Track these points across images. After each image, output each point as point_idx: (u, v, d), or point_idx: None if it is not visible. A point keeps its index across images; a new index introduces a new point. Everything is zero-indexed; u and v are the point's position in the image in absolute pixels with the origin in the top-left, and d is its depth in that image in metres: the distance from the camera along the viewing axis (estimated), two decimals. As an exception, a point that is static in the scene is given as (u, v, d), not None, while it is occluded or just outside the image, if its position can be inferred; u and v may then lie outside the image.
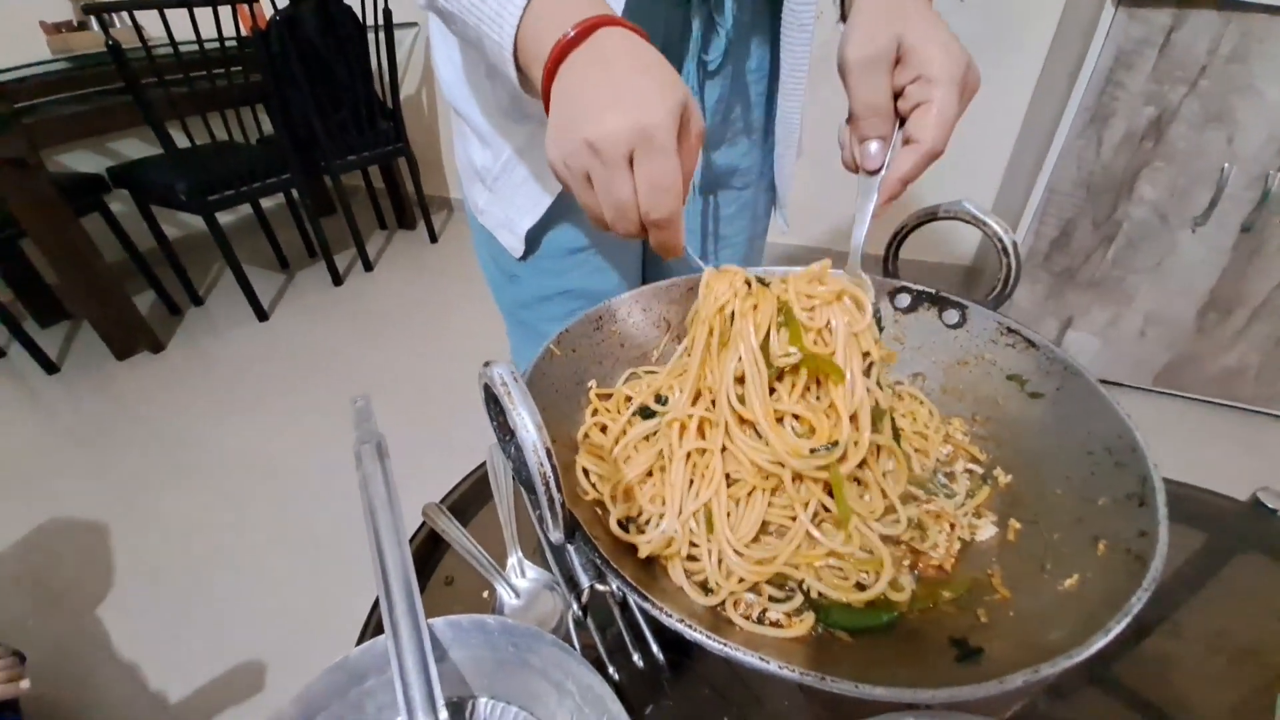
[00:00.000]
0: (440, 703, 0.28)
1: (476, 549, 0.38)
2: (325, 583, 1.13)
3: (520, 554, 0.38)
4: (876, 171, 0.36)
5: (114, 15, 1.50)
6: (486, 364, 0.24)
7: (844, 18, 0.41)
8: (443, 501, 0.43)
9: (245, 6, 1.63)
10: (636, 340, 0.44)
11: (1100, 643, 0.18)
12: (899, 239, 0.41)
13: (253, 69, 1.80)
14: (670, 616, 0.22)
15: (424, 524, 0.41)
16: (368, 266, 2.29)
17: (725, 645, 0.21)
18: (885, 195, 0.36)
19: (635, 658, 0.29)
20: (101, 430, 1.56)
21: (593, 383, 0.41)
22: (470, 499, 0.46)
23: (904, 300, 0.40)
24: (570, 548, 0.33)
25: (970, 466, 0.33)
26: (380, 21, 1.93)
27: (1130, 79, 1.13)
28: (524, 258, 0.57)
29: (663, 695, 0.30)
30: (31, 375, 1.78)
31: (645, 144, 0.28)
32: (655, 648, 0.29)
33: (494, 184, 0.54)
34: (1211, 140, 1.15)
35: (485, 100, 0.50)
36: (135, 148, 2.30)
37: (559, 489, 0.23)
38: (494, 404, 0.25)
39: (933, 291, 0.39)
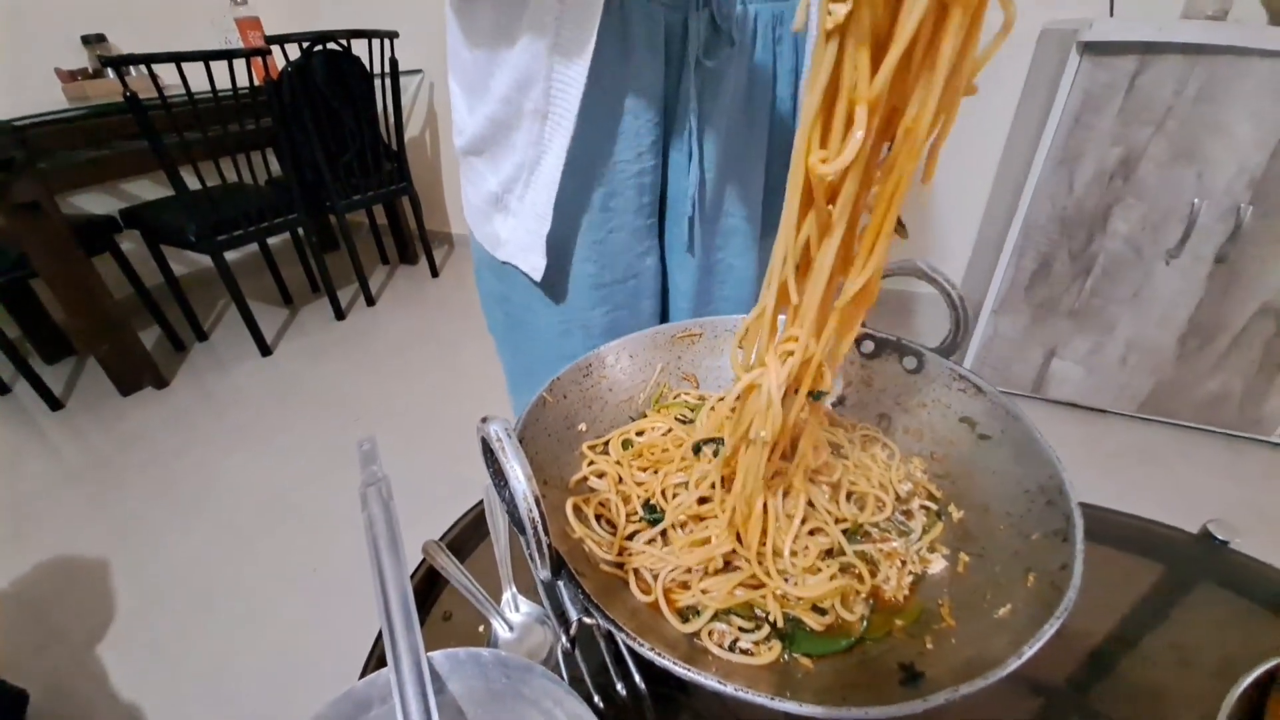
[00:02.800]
0: (438, 731, 0.30)
1: (473, 585, 0.40)
2: (327, 616, 1.13)
3: (514, 589, 0.40)
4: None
5: (104, 66, 1.57)
6: (484, 420, 0.28)
7: None
8: (442, 539, 0.46)
9: (258, 59, 1.71)
10: (624, 385, 0.47)
11: (1013, 665, 0.21)
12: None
13: (263, 114, 1.88)
14: (644, 645, 0.25)
15: (424, 560, 0.44)
16: (370, 301, 2.34)
17: (690, 670, 0.23)
18: None
19: (620, 687, 0.32)
20: (105, 466, 1.58)
21: (583, 425, 0.44)
22: (468, 535, 0.48)
23: (868, 346, 0.44)
24: (559, 584, 0.36)
25: (926, 504, 0.35)
26: (387, 69, 2.02)
27: (1098, 121, 1.19)
28: (544, 283, 0.57)
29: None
30: (36, 412, 1.81)
31: None
32: (638, 678, 0.32)
33: (516, 202, 0.55)
34: (1181, 177, 1.20)
35: (489, 116, 0.51)
36: (145, 189, 2.38)
37: (546, 532, 0.26)
38: (489, 454, 0.29)
39: (894, 339, 0.43)
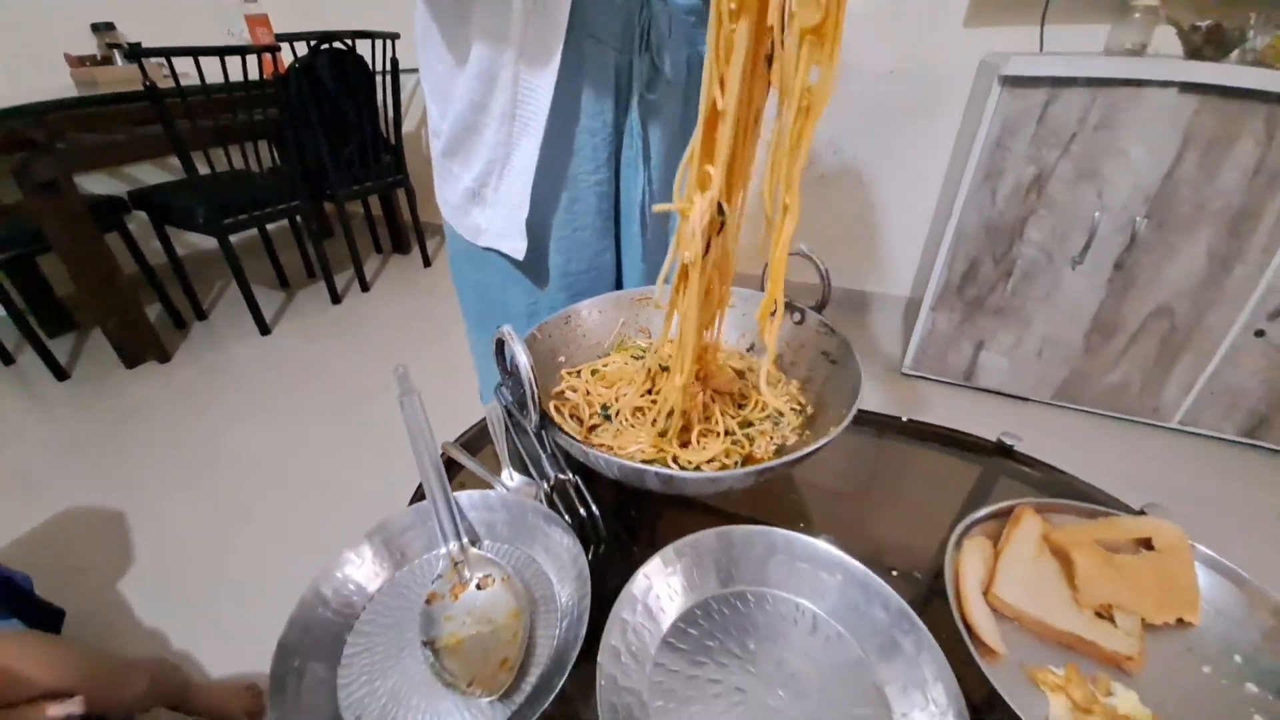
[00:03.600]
0: (463, 537, 0.46)
1: (479, 465, 0.56)
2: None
3: (510, 469, 0.55)
4: None
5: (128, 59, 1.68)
6: (500, 328, 0.43)
7: None
8: (455, 441, 0.61)
9: (268, 55, 1.83)
10: (594, 332, 0.63)
11: (807, 449, 0.37)
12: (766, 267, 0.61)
13: (269, 106, 1.99)
14: (590, 448, 0.41)
15: (443, 454, 0.59)
16: (365, 287, 2.46)
17: (609, 454, 0.39)
18: None
19: (581, 512, 0.48)
20: (113, 432, 1.69)
21: (562, 358, 0.60)
22: (473, 441, 0.64)
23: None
24: (542, 456, 0.52)
25: (794, 406, 0.52)
26: (388, 68, 2.15)
27: (1015, 144, 1.39)
28: (523, 266, 0.66)
29: (600, 540, 0.48)
30: (41, 381, 1.90)
31: None
32: (595, 510, 0.48)
33: (492, 194, 0.63)
34: (1084, 193, 1.40)
35: (464, 102, 0.58)
36: (147, 173, 2.48)
37: (537, 393, 0.42)
38: (500, 349, 0.44)
39: (788, 301, 0.59)
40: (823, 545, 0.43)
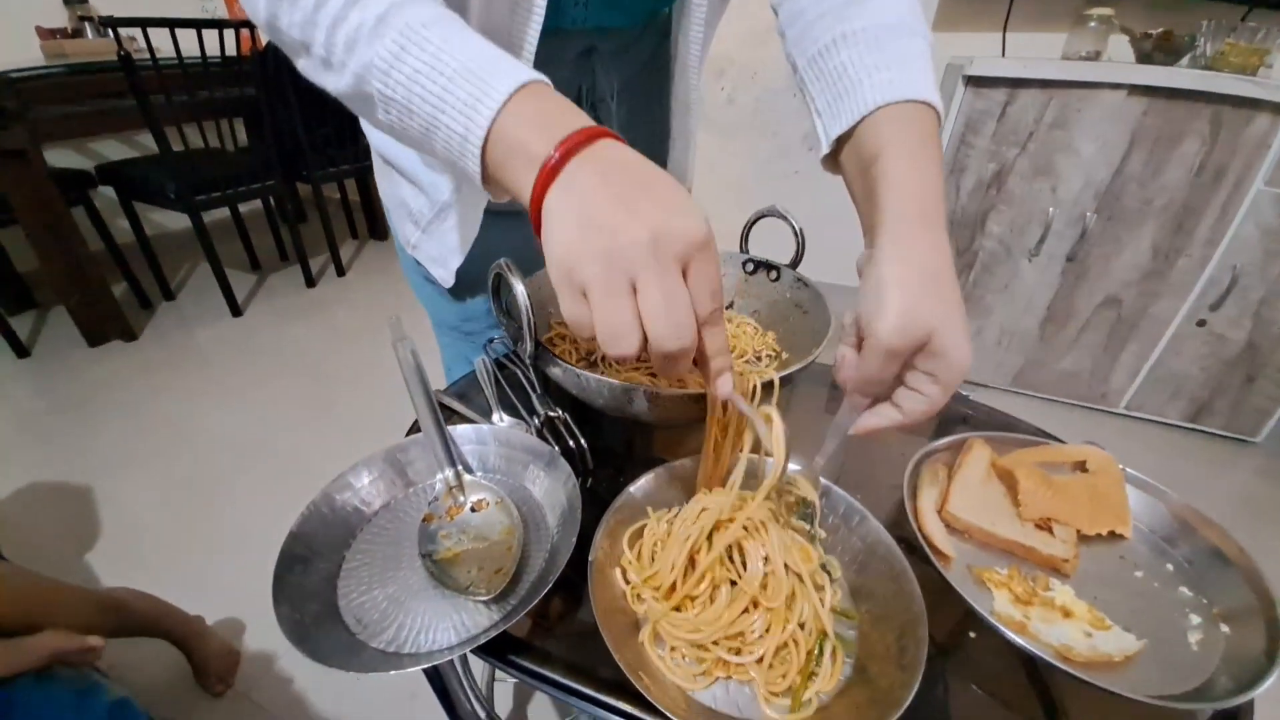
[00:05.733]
0: (458, 464, 0.48)
1: (470, 410, 0.58)
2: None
3: (500, 412, 0.58)
4: (858, 409, 0.39)
5: (104, 28, 1.64)
6: (497, 261, 0.45)
7: (829, 166, 0.45)
8: (446, 390, 0.63)
9: (246, 30, 1.81)
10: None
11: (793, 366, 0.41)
12: (748, 229, 0.65)
13: (245, 83, 1.97)
14: (586, 373, 0.44)
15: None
16: (340, 271, 2.43)
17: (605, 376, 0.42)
18: (854, 430, 0.40)
19: (572, 445, 0.50)
20: (78, 410, 1.64)
21: (552, 309, 0.62)
22: (461, 394, 0.66)
23: (750, 267, 0.64)
24: (533, 395, 0.54)
25: (768, 354, 0.56)
26: (367, 50, 2.14)
27: (977, 141, 1.46)
28: (455, 289, 0.64)
29: (589, 472, 0.51)
30: (1, 359, 1.84)
31: (703, 244, 0.28)
32: (583, 442, 0.51)
33: (427, 226, 0.60)
34: (1039, 189, 1.48)
35: (415, 155, 0.56)
36: (114, 149, 2.41)
37: (534, 321, 0.44)
38: (496, 283, 0.47)
39: (763, 260, 0.63)
40: (793, 467, 0.46)
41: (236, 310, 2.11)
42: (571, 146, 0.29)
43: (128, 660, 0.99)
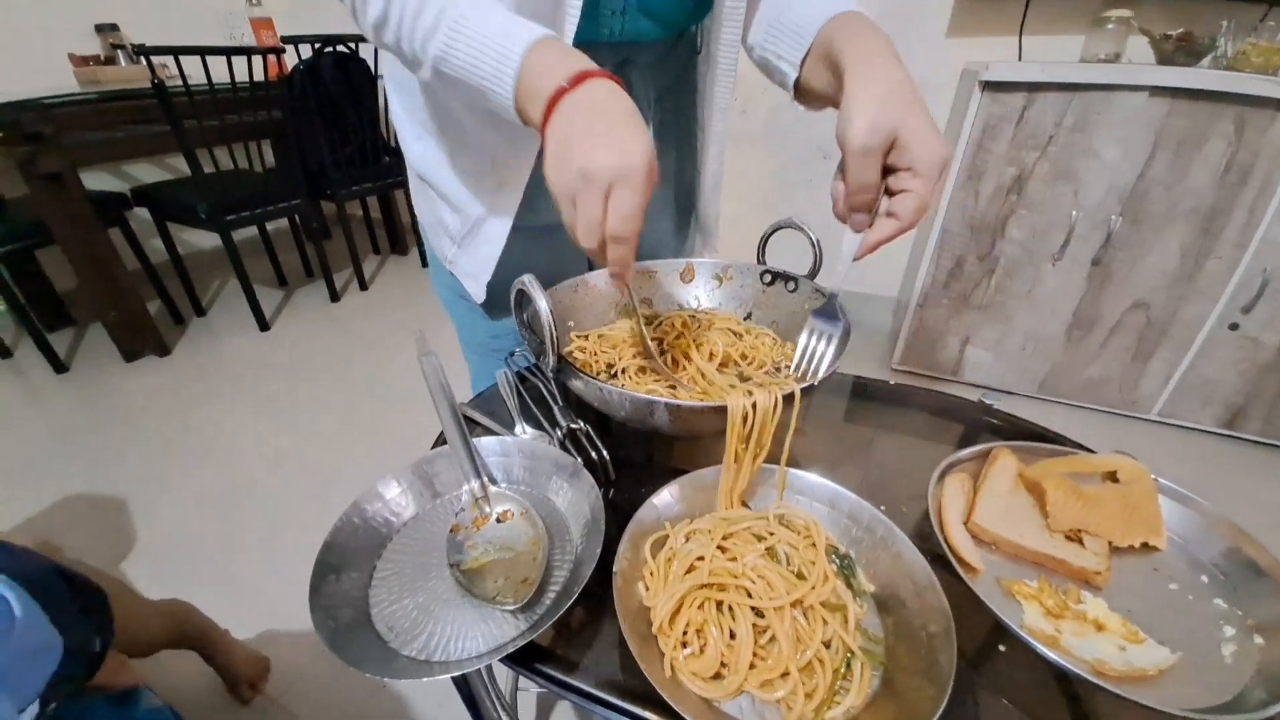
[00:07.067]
0: (483, 476, 0.49)
1: (493, 422, 0.59)
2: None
3: (522, 424, 0.59)
4: (860, 231, 0.44)
5: (138, 56, 1.71)
6: (519, 278, 0.47)
7: (799, 93, 0.52)
8: (469, 403, 0.65)
9: (273, 56, 1.87)
10: (602, 300, 0.67)
11: (810, 379, 0.41)
12: (765, 241, 0.65)
13: (272, 107, 2.03)
14: (606, 385, 0.44)
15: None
16: (363, 286, 2.49)
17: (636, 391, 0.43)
18: (861, 253, 0.44)
19: (594, 456, 0.51)
20: (113, 423, 1.70)
21: (572, 323, 0.63)
22: (483, 406, 0.67)
23: (767, 278, 0.65)
24: (554, 407, 0.55)
25: (788, 364, 0.56)
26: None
27: (995, 145, 1.45)
28: (488, 305, 0.67)
29: (611, 482, 0.52)
30: (40, 374, 1.91)
31: (623, 179, 0.36)
32: (605, 453, 0.51)
33: (463, 241, 0.64)
34: (1061, 193, 1.46)
35: (454, 172, 0.60)
36: (146, 172, 2.50)
37: (556, 335, 0.45)
38: (519, 299, 0.48)
39: (780, 271, 0.63)
40: (816, 478, 0.46)
41: (264, 325, 2.16)
42: (561, 90, 0.38)
43: (159, 667, 1.02)
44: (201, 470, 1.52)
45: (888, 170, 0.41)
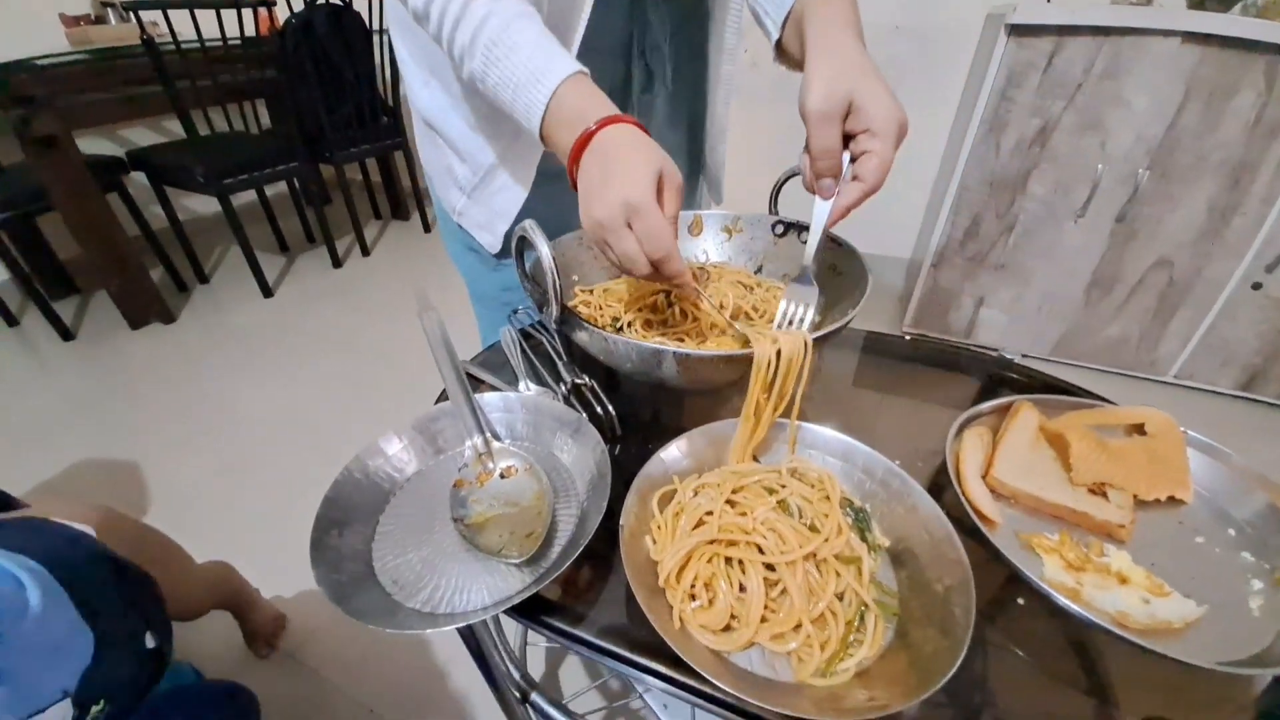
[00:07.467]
0: (486, 432, 0.48)
1: (496, 378, 0.58)
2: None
3: (526, 380, 0.57)
4: (829, 198, 0.45)
5: (128, 12, 1.66)
6: (520, 224, 0.44)
7: (780, 54, 0.55)
8: (472, 360, 0.63)
9: (264, 9, 1.81)
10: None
11: (835, 326, 0.39)
12: (778, 189, 0.62)
13: (263, 66, 1.97)
14: (614, 336, 0.42)
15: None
16: (365, 251, 2.46)
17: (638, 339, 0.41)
18: (833, 220, 0.46)
19: (599, 411, 0.49)
20: (122, 389, 1.71)
21: (576, 276, 0.61)
22: (486, 364, 0.65)
23: (779, 229, 0.62)
24: (559, 363, 0.53)
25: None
26: (385, 26, 2.12)
27: (1020, 95, 1.38)
28: (500, 254, 0.66)
29: (617, 438, 0.50)
30: (46, 342, 1.91)
31: (633, 212, 0.38)
32: (611, 409, 0.50)
33: (472, 192, 0.63)
34: (1088, 145, 1.40)
35: (464, 119, 0.59)
36: (142, 136, 2.45)
37: (559, 284, 0.43)
38: (520, 246, 0.46)
39: (793, 221, 0.61)
40: (830, 432, 0.45)
41: (268, 291, 2.15)
42: (581, 143, 0.41)
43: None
44: (210, 435, 1.53)
45: (848, 137, 0.43)
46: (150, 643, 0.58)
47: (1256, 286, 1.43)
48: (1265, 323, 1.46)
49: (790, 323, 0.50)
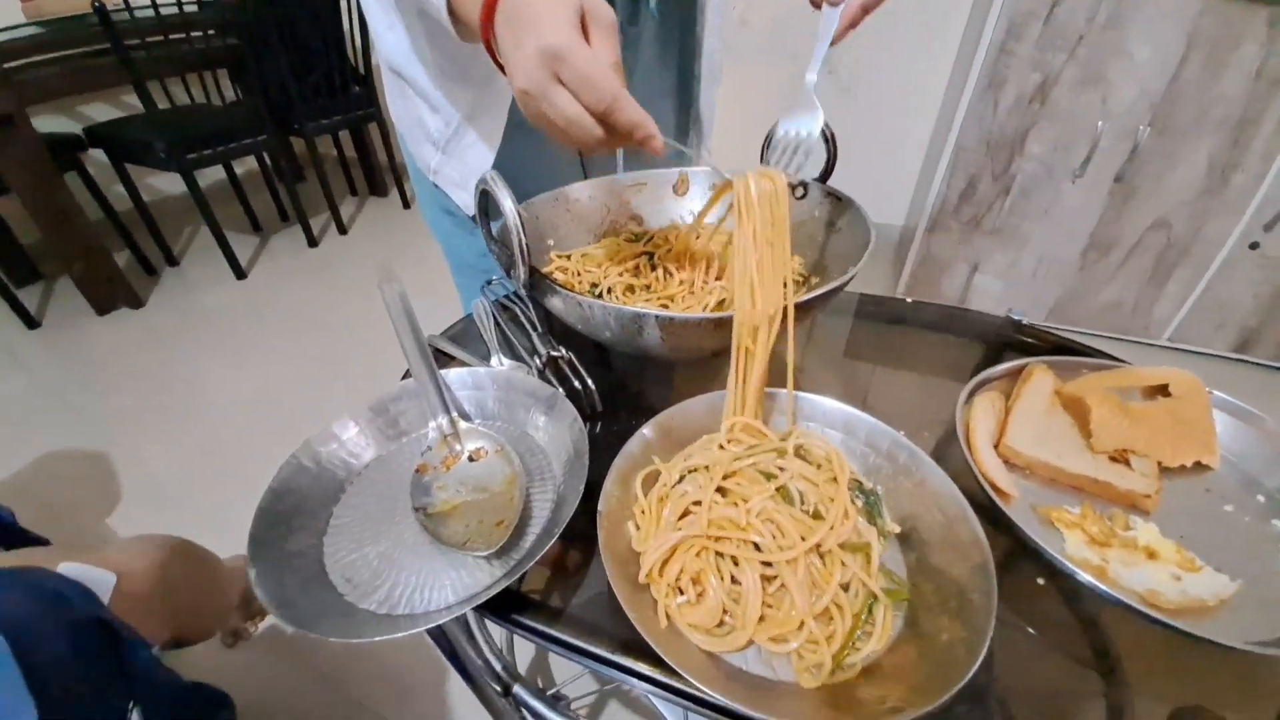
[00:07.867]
0: (452, 411, 0.43)
1: (466, 353, 0.53)
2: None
3: (499, 355, 0.53)
4: (837, 3, 0.43)
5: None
6: (482, 175, 0.39)
7: None
8: (441, 334, 0.58)
9: (220, -30, 1.69)
10: (584, 216, 0.59)
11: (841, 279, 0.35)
12: (769, 140, 0.57)
13: (225, 33, 1.86)
14: (589, 300, 0.38)
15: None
16: (342, 230, 2.37)
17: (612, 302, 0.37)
18: (847, 22, 0.44)
19: (577, 385, 0.45)
20: (91, 378, 1.64)
21: (551, 241, 0.56)
22: (458, 338, 0.61)
23: (774, 182, 0.57)
24: (533, 335, 0.49)
25: (796, 278, 0.49)
26: (350, -13, 2.01)
27: (1020, 48, 1.32)
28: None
29: (595, 413, 0.46)
30: (11, 331, 1.83)
31: (555, 60, 0.32)
32: (589, 382, 0.45)
33: (446, 146, 0.58)
34: (1088, 101, 1.35)
35: (432, 62, 0.54)
36: (101, 111, 2.33)
37: (525, 242, 0.38)
38: (483, 202, 0.41)
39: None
40: (829, 402, 0.41)
41: (240, 273, 2.07)
42: (489, 7, 0.34)
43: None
44: (183, 422, 1.47)
45: None
46: (135, 718, 0.54)
47: (1254, 246, 1.40)
48: (1263, 283, 1.43)
49: (788, 151, 0.48)
